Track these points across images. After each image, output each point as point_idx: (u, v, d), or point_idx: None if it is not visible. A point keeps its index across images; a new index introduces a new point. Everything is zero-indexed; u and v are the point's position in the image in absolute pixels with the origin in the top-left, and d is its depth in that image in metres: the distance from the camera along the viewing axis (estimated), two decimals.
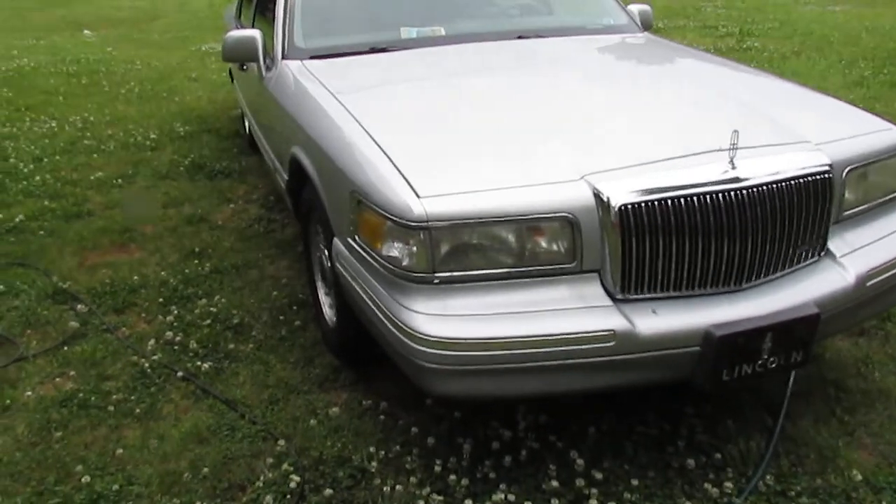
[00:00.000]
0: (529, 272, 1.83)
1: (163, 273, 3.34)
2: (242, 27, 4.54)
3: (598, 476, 1.99)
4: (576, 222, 1.80)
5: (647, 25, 3.52)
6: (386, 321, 1.89)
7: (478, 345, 1.75)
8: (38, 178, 4.62)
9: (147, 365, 2.61)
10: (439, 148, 2.05)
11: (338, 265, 2.21)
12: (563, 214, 1.79)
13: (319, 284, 2.79)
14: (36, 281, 3.26)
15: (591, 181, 1.83)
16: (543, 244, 1.82)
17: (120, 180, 4.61)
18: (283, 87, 2.87)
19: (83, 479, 2.06)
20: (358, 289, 2.05)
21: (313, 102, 2.48)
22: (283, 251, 3.58)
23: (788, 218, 1.91)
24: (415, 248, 1.81)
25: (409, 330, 1.79)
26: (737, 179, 1.83)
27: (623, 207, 1.78)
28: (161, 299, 3.10)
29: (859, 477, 2.02)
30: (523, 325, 1.77)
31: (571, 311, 1.80)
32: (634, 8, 3.63)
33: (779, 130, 2.09)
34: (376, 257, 1.92)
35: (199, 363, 2.61)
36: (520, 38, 3.14)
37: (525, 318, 1.78)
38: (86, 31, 11.82)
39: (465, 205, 1.79)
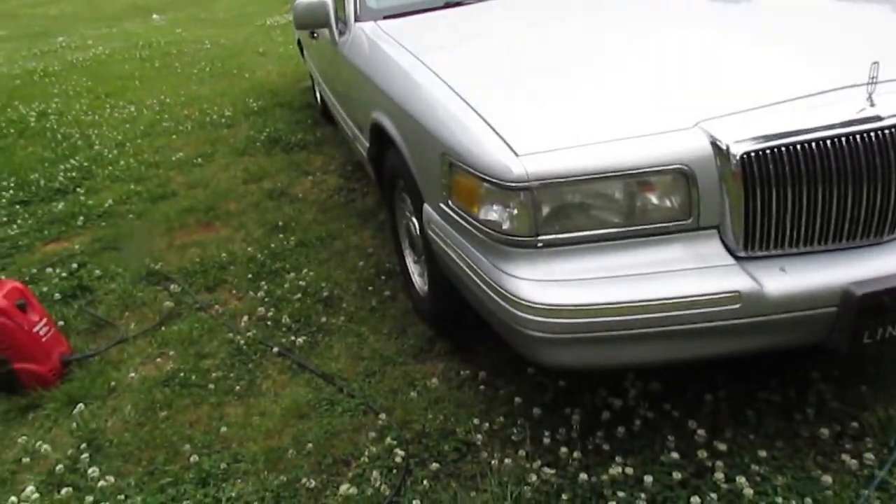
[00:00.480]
0: (640, 231, 1.68)
1: (249, 249, 3.34)
2: None
3: (721, 447, 1.85)
4: (691, 174, 1.64)
5: None
6: (487, 289, 1.79)
7: (588, 311, 1.63)
8: (122, 162, 4.73)
9: (242, 342, 2.61)
10: (534, 102, 1.90)
11: (429, 232, 2.12)
12: (677, 166, 1.64)
13: (407, 253, 2.71)
14: (130, 263, 3.32)
15: (707, 128, 1.66)
16: (655, 200, 1.68)
17: (200, 159, 4.66)
18: (358, 51, 2.77)
19: (191, 459, 2.07)
20: (454, 256, 1.96)
21: (393, 65, 2.38)
22: (365, 220, 3.53)
23: None
24: (515, 211, 1.69)
25: (512, 297, 1.69)
26: (877, 118, 1.62)
27: (745, 156, 1.61)
28: (250, 275, 3.10)
29: None
30: (636, 288, 1.63)
31: (689, 272, 1.65)
32: None
33: None
34: (473, 222, 1.82)
35: (292, 338, 2.59)
36: None
37: (638, 280, 1.65)
38: (154, 16, 12.07)
39: (567, 161, 1.66)
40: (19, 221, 3.92)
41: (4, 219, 4.00)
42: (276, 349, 2.54)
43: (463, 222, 1.88)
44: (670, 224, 1.68)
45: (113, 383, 2.48)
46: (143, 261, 3.32)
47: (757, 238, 1.66)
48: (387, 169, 2.64)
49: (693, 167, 1.64)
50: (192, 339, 2.69)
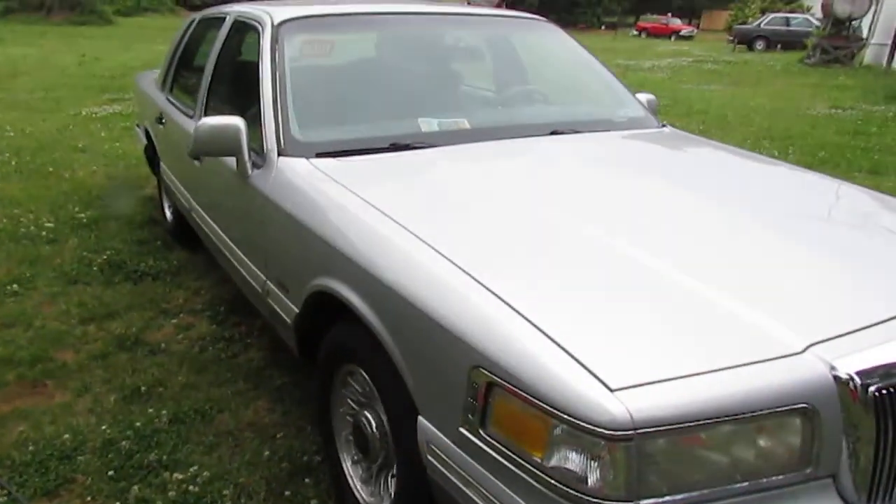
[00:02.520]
0: (756, 487, 1.32)
1: (104, 427, 2.53)
2: (173, 104, 3.84)
3: None
4: (814, 413, 1.33)
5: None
6: None
7: None
8: None
9: None
10: (586, 304, 1.52)
11: (431, 458, 1.61)
12: (802, 405, 1.32)
13: (345, 453, 2.14)
14: None
15: (821, 354, 1.38)
16: (774, 447, 1.34)
17: (15, 285, 3.68)
18: (290, 195, 2.24)
19: None
20: (479, 502, 1.46)
21: (366, 228, 1.89)
22: (255, 384, 2.86)
23: None
24: (607, 464, 1.26)
25: None
26: None
27: (881, 392, 1.33)
28: (111, 472, 2.29)
29: None
30: None
31: None
32: (642, 97, 3.33)
33: None
34: (532, 469, 1.35)
35: None
36: (553, 133, 2.71)
37: None
38: None
39: (679, 399, 1.27)
40: None
41: None
42: None
43: (507, 462, 1.40)
44: (787, 476, 1.34)
45: None
46: None
47: (882, 486, 1.37)
48: (330, 347, 2.09)
49: (816, 404, 1.33)
50: None
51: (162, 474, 2.28)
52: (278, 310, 2.38)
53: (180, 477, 2.26)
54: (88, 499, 2.19)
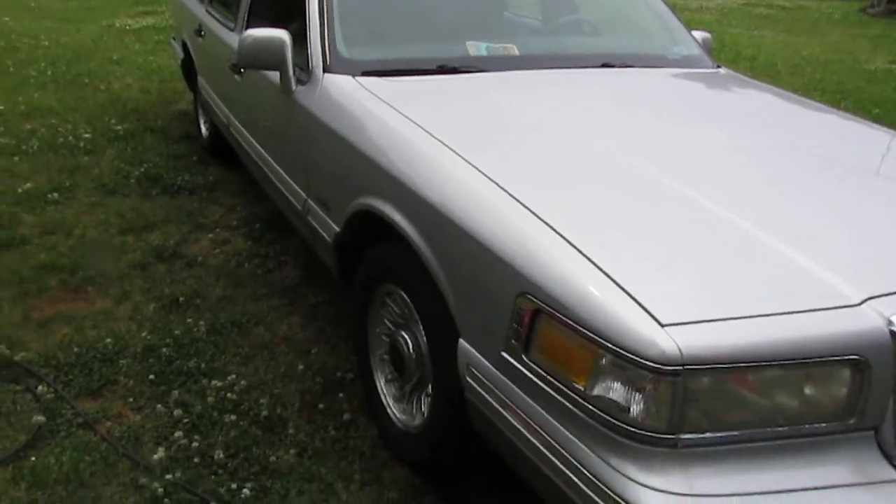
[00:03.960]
0: (796, 432, 1.33)
1: (144, 334, 2.60)
2: (213, 16, 3.78)
3: None
4: (865, 365, 1.31)
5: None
6: (585, 487, 1.34)
7: None
8: None
9: (160, 489, 1.91)
10: (649, 241, 1.49)
11: (470, 380, 1.63)
12: (854, 356, 1.31)
13: (380, 372, 2.17)
14: None
15: (879, 307, 1.35)
16: (818, 395, 1.33)
17: (56, 194, 3.73)
18: (336, 112, 2.22)
19: None
20: (519, 426, 1.49)
21: (417, 151, 1.87)
22: (290, 301, 2.90)
23: None
24: (652, 397, 1.27)
25: None
26: None
27: None
28: (151, 376, 2.37)
29: None
30: None
31: (851, 491, 1.31)
32: (698, 35, 3.20)
33: None
34: (574, 396, 1.36)
35: (232, 485, 1.94)
36: (604, 65, 2.63)
37: (794, 502, 1.28)
38: None
39: (729, 338, 1.27)
40: None
41: None
42: (213, 503, 1.88)
43: (548, 388, 1.42)
44: (829, 425, 1.34)
45: None
46: None
47: None
48: (370, 266, 2.11)
49: (869, 357, 1.31)
50: (79, 478, 1.94)
51: (201, 381, 2.35)
52: (319, 228, 2.39)
53: (218, 384, 2.32)
54: (131, 400, 2.27)
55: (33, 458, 2.00)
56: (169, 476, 1.94)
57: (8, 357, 2.39)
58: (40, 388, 2.27)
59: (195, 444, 2.07)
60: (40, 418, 2.12)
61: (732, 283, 1.38)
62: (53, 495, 1.88)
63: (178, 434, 2.10)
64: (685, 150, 1.97)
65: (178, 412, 2.18)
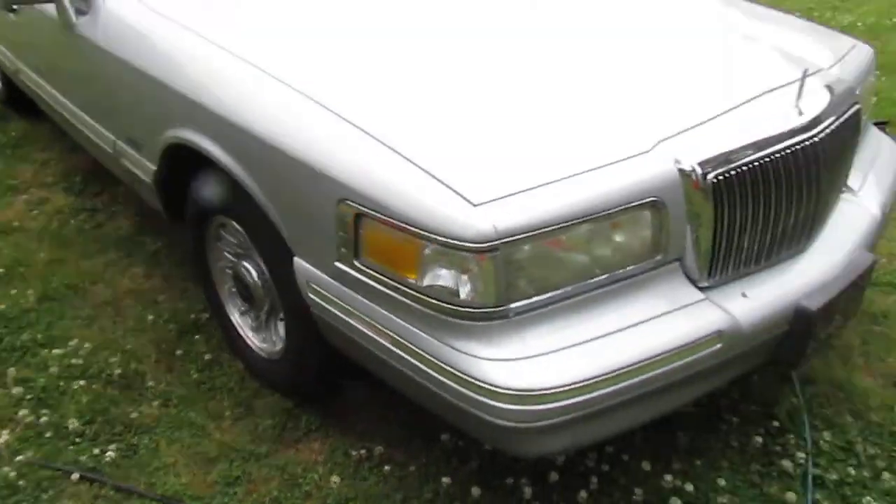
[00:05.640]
0: (613, 278, 1.42)
1: None
2: None
3: (688, 488, 1.73)
4: (662, 205, 1.42)
5: None
6: (435, 373, 1.39)
7: (578, 388, 1.33)
8: None
9: (12, 473, 1.80)
10: (452, 126, 1.50)
11: (312, 296, 1.62)
12: (651, 199, 1.40)
13: (231, 305, 2.12)
14: None
15: (667, 149, 1.44)
16: (626, 240, 1.42)
17: None
18: (125, 40, 2.03)
19: None
20: (364, 329, 1.51)
21: (206, 67, 1.76)
22: (129, 252, 2.74)
23: (843, 157, 1.72)
24: (477, 276, 1.31)
25: (480, 384, 1.32)
26: (817, 122, 1.56)
27: (718, 178, 1.43)
28: None
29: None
30: (624, 350, 1.37)
31: (668, 318, 1.44)
32: None
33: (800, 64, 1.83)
34: (407, 290, 1.39)
35: (95, 451, 1.87)
36: None
37: (621, 340, 1.39)
38: None
39: (538, 207, 1.32)
40: None
41: None
42: (75, 474, 1.80)
43: (383, 288, 1.43)
44: (641, 265, 1.45)
45: None
46: None
47: (719, 264, 1.51)
48: (195, 201, 2.00)
49: (664, 197, 1.41)
50: None
51: (39, 352, 2.20)
52: (135, 170, 2.23)
53: (60, 352, 2.19)
54: None
55: None
56: (20, 457, 1.84)
57: None
58: None
59: (44, 419, 1.96)
60: None
61: (536, 151, 1.43)
62: None
63: (22, 413, 1.98)
64: (487, 24, 1.97)
65: (17, 390, 2.04)
